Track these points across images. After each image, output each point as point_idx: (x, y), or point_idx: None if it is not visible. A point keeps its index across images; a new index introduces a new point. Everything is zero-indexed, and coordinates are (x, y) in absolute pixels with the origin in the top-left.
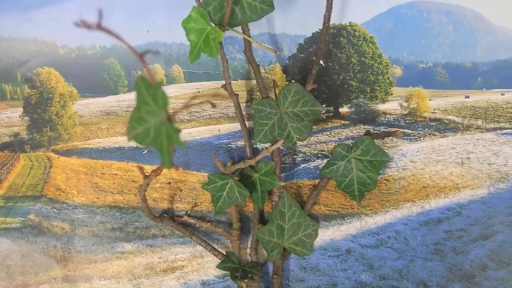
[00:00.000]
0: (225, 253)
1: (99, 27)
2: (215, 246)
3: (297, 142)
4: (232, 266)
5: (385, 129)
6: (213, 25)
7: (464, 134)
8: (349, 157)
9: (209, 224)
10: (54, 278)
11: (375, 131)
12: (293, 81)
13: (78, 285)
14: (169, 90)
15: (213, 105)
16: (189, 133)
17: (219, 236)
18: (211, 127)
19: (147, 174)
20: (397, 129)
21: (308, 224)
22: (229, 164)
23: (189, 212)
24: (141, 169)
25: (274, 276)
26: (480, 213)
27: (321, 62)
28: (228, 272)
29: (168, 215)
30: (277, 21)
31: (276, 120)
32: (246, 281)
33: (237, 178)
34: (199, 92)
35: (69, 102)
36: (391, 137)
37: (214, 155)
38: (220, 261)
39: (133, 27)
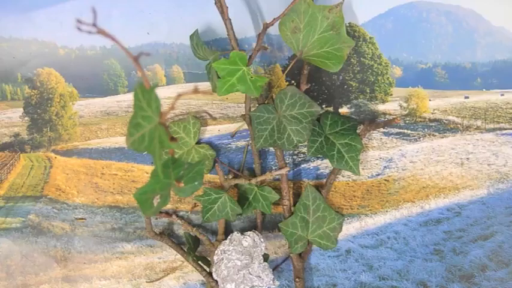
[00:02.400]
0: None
1: (95, 27)
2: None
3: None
4: None
5: (385, 119)
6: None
7: (464, 134)
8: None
9: (194, 229)
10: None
11: (375, 121)
12: (293, 81)
13: (78, 285)
14: (169, 90)
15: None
16: None
17: None
18: (211, 127)
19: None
20: (396, 116)
21: (333, 217)
22: (230, 176)
23: (189, 212)
24: None
25: (297, 279)
26: (480, 214)
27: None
28: None
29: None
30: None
31: (275, 125)
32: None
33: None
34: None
35: (69, 102)
36: (389, 133)
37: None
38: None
39: (133, 28)
